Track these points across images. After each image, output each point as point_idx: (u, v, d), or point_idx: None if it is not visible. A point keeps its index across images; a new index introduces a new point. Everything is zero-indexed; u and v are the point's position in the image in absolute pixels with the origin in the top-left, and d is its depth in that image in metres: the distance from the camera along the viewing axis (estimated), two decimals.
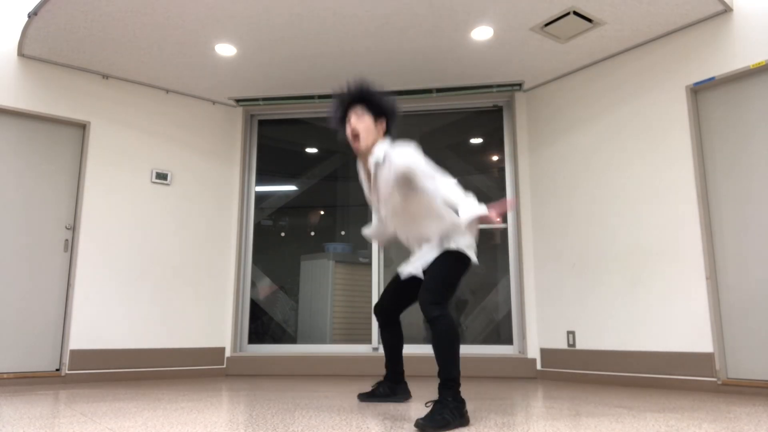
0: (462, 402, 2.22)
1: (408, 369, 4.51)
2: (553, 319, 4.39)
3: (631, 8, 3.61)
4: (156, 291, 4.55)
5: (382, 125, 2.53)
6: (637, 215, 3.94)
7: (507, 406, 2.76)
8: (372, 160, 2.47)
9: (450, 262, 2.45)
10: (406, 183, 2.40)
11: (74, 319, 4.15)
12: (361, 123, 2.47)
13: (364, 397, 2.96)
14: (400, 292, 2.78)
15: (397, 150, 2.38)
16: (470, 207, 2.28)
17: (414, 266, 2.60)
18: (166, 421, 2.28)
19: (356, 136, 2.47)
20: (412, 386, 3.71)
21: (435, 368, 2.34)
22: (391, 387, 2.93)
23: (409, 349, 4.60)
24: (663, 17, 3.71)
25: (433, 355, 2.30)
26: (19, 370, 3.97)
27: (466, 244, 2.50)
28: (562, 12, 3.65)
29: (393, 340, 2.88)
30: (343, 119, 2.56)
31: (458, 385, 2.24)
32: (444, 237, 2.49)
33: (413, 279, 2.67)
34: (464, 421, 2.19)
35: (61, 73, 4.34)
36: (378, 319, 2.87)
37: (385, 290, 2.85)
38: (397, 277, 2.80)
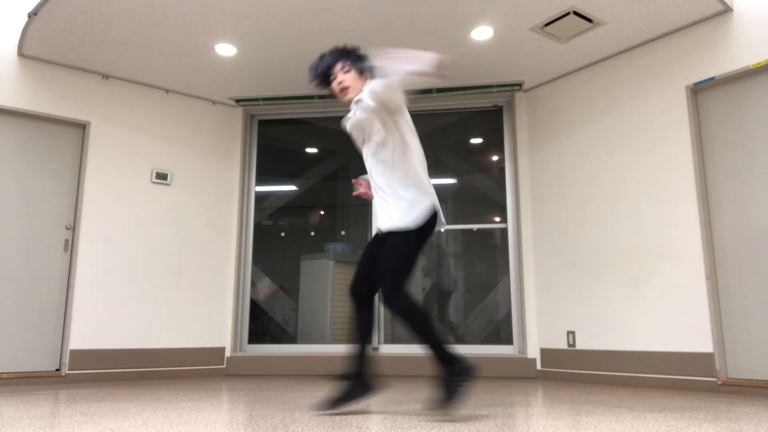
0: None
1: (408, 369, 4.51)
2: (553, 319, 4.39)
3: (631, 8, 3.61)
4: (156, 291, 4.55)
5: (366, 78, 2.59)
6: (637, 215, 3.94)
7: (507, 406, 2.76)
8: (354, 100, 2.55)
9: (406, 240, 2.36)
10: (384, 108, 2.43)
11: (74, 319, 4.15)
12: (347, 76, 2.57)
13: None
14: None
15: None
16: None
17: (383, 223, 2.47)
18: (166, 421, 2.28)
19: (345, 88, 2.55)
20: (410, 386, 3.71)
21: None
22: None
23: (408, 349, 4.60)
24: (663, 17, 3.71)
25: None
26: (19, 370, 3.97)
27: (421, 203, 2.40)
28: (562, 12, 3.65)
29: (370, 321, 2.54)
30: (326, 77, 2.60)
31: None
32: (406, 206, 2.40)
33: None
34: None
35: (61, 73, 4.34)
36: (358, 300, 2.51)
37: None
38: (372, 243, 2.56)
